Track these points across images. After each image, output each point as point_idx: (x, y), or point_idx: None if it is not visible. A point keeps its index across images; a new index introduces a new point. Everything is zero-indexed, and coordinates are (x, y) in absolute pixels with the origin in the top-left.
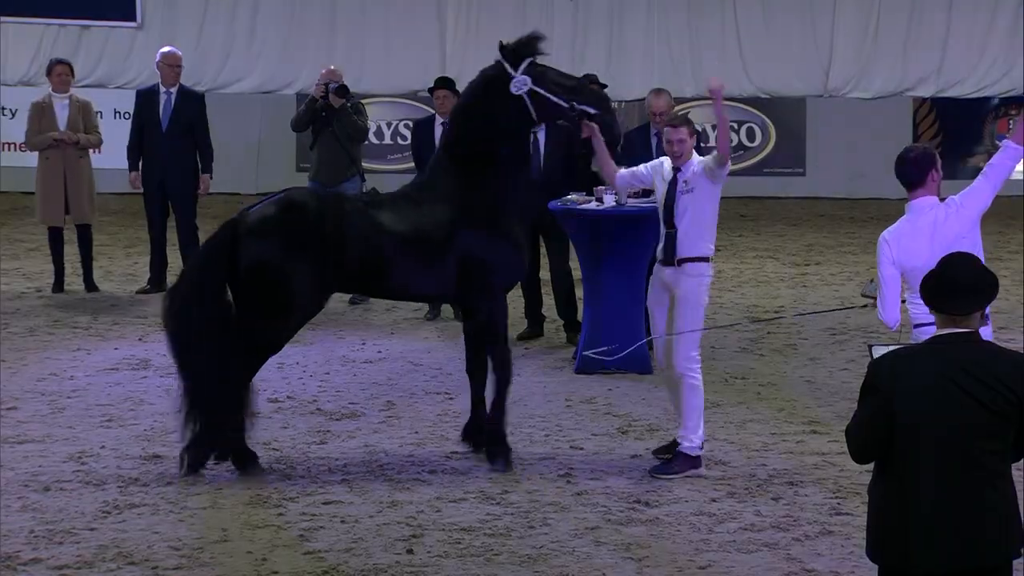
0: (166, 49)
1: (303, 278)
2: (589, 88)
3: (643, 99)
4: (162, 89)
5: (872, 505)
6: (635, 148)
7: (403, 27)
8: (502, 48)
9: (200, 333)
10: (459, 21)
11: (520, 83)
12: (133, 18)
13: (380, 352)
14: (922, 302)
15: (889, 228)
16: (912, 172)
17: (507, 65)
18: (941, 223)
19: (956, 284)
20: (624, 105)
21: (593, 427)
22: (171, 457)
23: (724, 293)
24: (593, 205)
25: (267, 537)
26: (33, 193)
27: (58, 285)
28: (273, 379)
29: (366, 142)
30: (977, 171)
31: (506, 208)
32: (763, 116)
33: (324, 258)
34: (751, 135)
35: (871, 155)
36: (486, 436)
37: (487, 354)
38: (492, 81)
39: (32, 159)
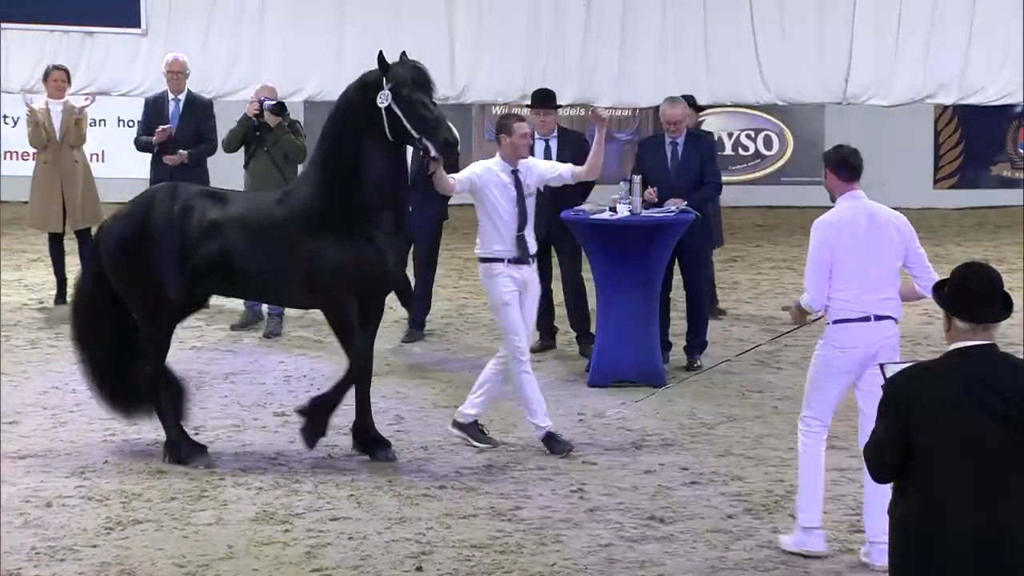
0: (171, 56)
1: (149, 267)
2: (443, 128)
3: (656, 106)
4: (170, 96)
5: (893, 527)
6: (649, 157)
7: (412, 34)
8: (379, 57)
9: (91, 335)
10: (469, 27)
11: (384, 97)
12: (137, 25)
13: (388, 365)
14: (844, 296)
15: (826, 215)
16: (859, 166)
17: (384, 75)
18: (878, 225)
19: (991, 291)
20: (638, 112)
21: (606, 441)
22: (176, 472)
23: (741, 305)
24: (607, 215)
25: (273, 554)
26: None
27: (60, 296)
28: (280, 392)
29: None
30: (1000, 180)
31: (365, 214)
32: (780, 124)
33: (167, 248)
34: (768, 143)
35: (891, 164)
36: (356, 435)
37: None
38: (364, 86)
39: (31, 168)
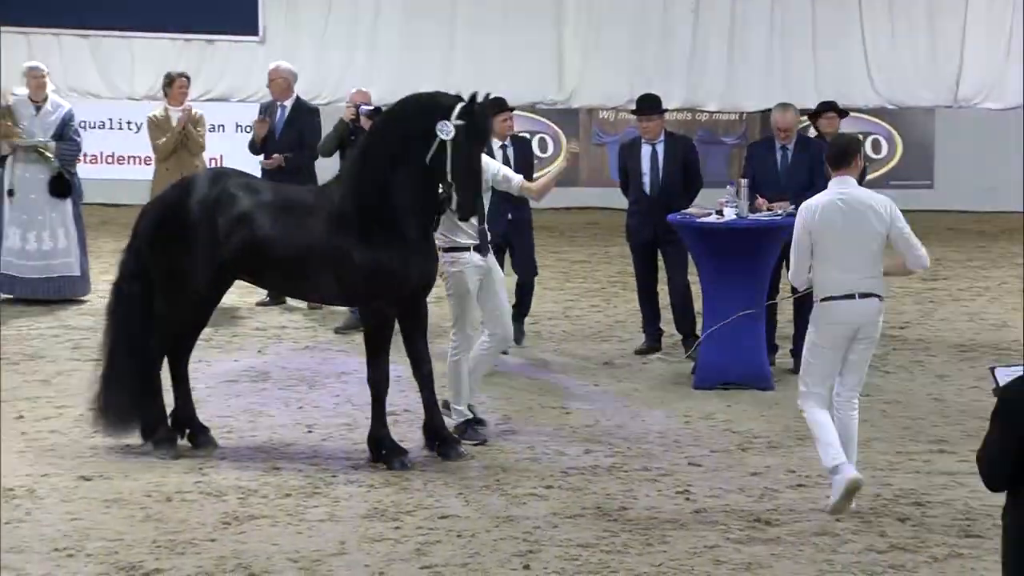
0: (272, 64)
1: (177, 252)
2: (474, 192)
3: (764, 111)
4: (278, 103)
5: (1006, 533)
6: (758, 161)
7: (521, 40)
8: (472, 97)
9: (121, 316)
10: (577, 32)
11: (446, 129)
12: (255, 33)
13: (497, 366)
14: (827, 276)
15: (809, 200)
16: (844, 154)
17: (456, 106)
18: (856, 209)
19: None
20: (745, 116)
21: (712, 443)
22: (290, 469)
23: None
24: (713, 218)
25: (384, 551)
26: None
27: None
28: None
29: None
30: None
31: (399, 218)
32: (889, 128)
33: (198, 236)
34: (876, 147)
35: (1003, 168)
36: (371, 444)
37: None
38: (434, 106)
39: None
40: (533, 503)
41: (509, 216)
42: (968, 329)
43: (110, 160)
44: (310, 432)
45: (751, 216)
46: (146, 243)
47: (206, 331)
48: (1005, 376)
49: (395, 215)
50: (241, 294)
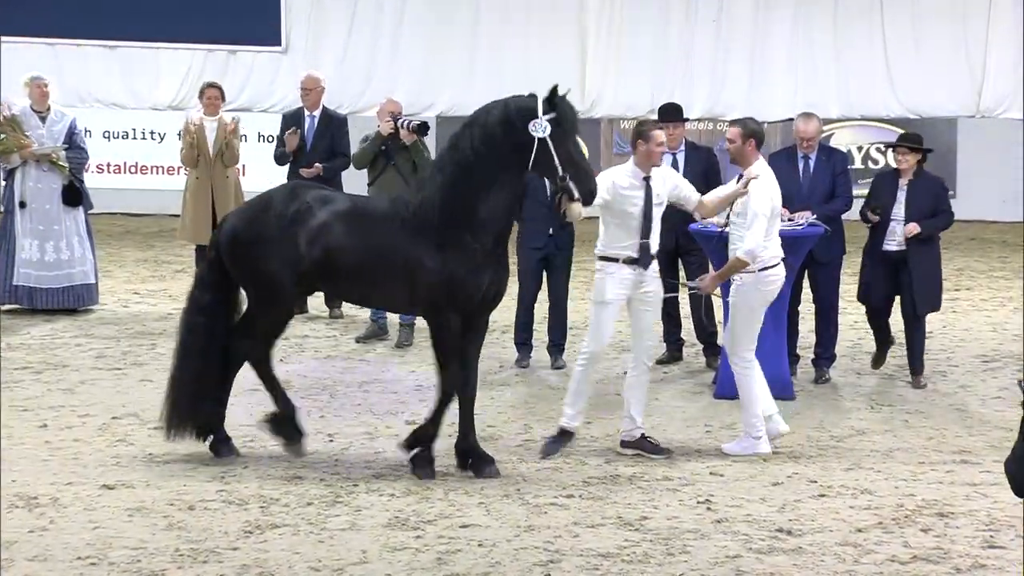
0: (304, 74)
1: (260, 266)
2: (589, 177)
3: (786, 120)
4: (306, 113)
5: None
6: (781, 171)
7: (544, 48)
8: (554, 89)
9: (196, 324)
10: (600, 42)
11: (540, 126)
12: (278, 43)
13: (517, 375)
14: (771, 244)
15: (769, 179)
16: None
17: (540, 103)
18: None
19: None
20: (766, 126)
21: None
22: (311, 478)
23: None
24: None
25: (405, 560)
26: (178, 215)
27: None
28: (411, 401)
29: None
30: None
31: (475, 229)
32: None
33: (279, 249)
34: None
35: None
36: (458, 453)
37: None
38: (518, 110)
39: (177, 183)
40: (554, 512)
41: (551, 231)
42: (991, 339)
43: (133, 170)
44: (331, 441)
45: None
46: (227, 255)
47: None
48: None
49: (474, 225)
50: None
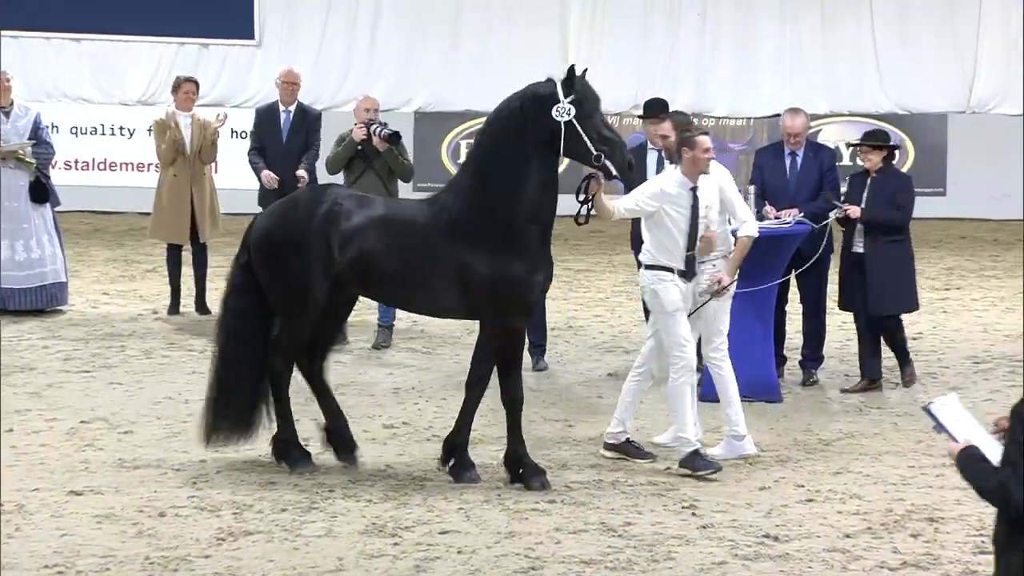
0: (285, 68)
1: (291, 270)
2: (623, 148)
3: (773, 116)
4: (281, 108)
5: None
6: (768, 167)
7: (525, 44)
8: (570, 70)
9: (232, 329)
10: (582, 37)
11: (564, 110)
12: (251, 36)
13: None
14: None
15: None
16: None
17: (559, 87)
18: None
19: None
20: (753, 122)
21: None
22: (286, 484)
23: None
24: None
25: (383, 567)
26: (149, 213)
27: (174, 307)
28: (388, 404)
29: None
30: None
31: (520, 226)
32: (901, 133)
33: (311, 252)
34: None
35: (1017, 174)
36: (509, 464)
37: (496, 374)
38: (538, 98)
39: (148, 180)
40: (535, 518)
41: None
42: (982, 340)
43: (101, 167)
44: (306, 445)
45: (760, 224)
46: (257, 257)
47: (201, 342)
48: (943, 409)
49: (517, 223)
50: None
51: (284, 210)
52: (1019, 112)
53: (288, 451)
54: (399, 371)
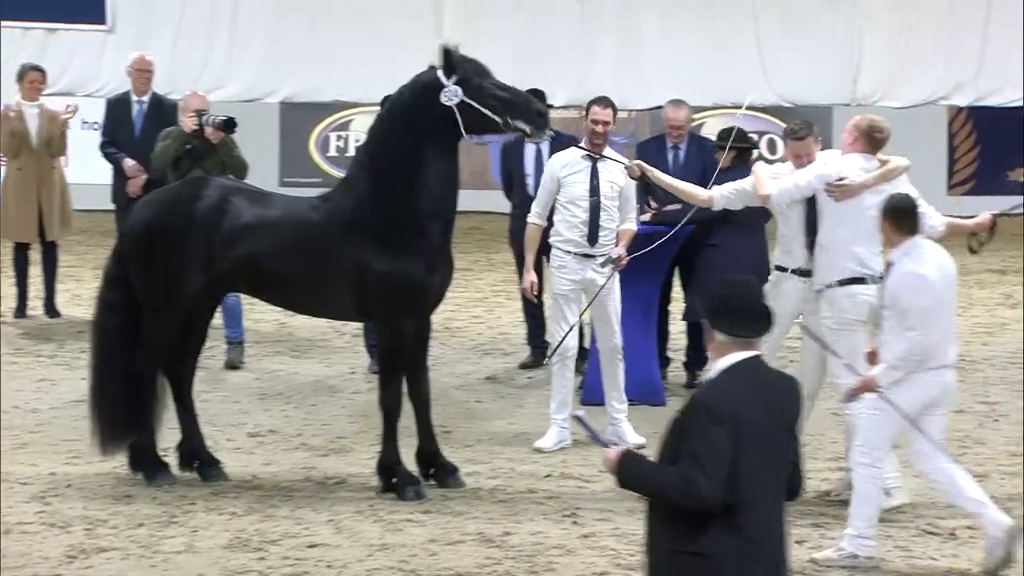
0: (136, 54)
1: (167, 263)
2: (526, 101)
3: (657, 108)
4: (133, 98)
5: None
6: (649, 161)
7: (391, 34)
8: (444, 52)
9: (106, 327)
10: (456, 22)
11: (451, 93)
12: (103, 21)
13: (371, 382)
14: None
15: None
16: None
17: (441, 73)
18: None
19: (757, 305)
20: (635, 114)
21: (600, 463)
22: (143, 497)
23: None
24: None
25: None
26: None
27: (20, 310)
28: (254, 411)
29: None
30: (1018, 186)
31: (420, 225)
32: (785, 126)
33: (191, 246)
34: (772, 147)
35: None
36: (382, 472)
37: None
38: (424, 88)
39: None
40: (410, 529)
41: None
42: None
43: None
44: (165, 456)
45: (641, 219)
46: (131, 248)
47: (50, 347)
48: (579, 419)
49: (416, 219)
50: (89, 307)
51: (166, 200)
52: (903, 105)
53: (145, 460)
54: (265, 376)
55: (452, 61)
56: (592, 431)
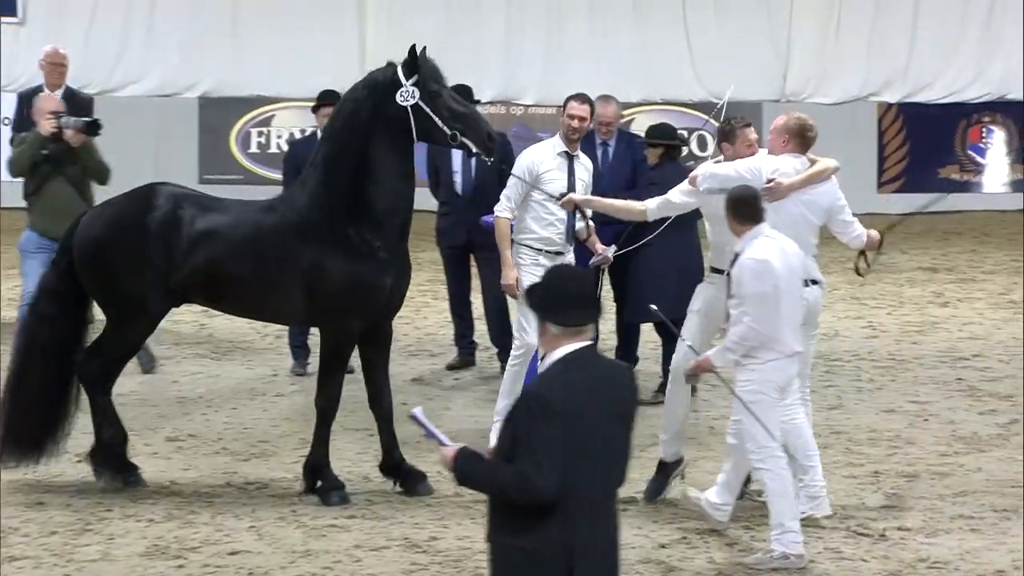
0: (50, 47)
1: (127, 276)
2: (479, 121)
3: None
4: (47, 92)
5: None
6: None
7: (319, 32)
8: (412, 51)
9: (37, 339)
10: (381, 17)
11: (407, 94)
12: (14, 12)
13: (294, 384)
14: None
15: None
16: None
17: (401, 71)
18: None
19: (585, 294)
20: (559, 110)
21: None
22: (56, 503)
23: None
24: None
25: None
26: None
27: None
28: (173, 415)
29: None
30: (947, 183)
31: (376, 225)
32: (715, 123)
33: (149, 258)
34: (702, 144)
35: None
36: (308, 472)
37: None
38: (379, 84)
39: None
40: (334, 535)
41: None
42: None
43: None
44: (80, 462)
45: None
46: (85, 264)
47: None
48: (419, 416)
49: (371, 219)
50: None
51: (116, 213)
52: (833, 101)
53: (113, 458)
54: (185, 379)
55: (416, 62)
56: (429, 429)
